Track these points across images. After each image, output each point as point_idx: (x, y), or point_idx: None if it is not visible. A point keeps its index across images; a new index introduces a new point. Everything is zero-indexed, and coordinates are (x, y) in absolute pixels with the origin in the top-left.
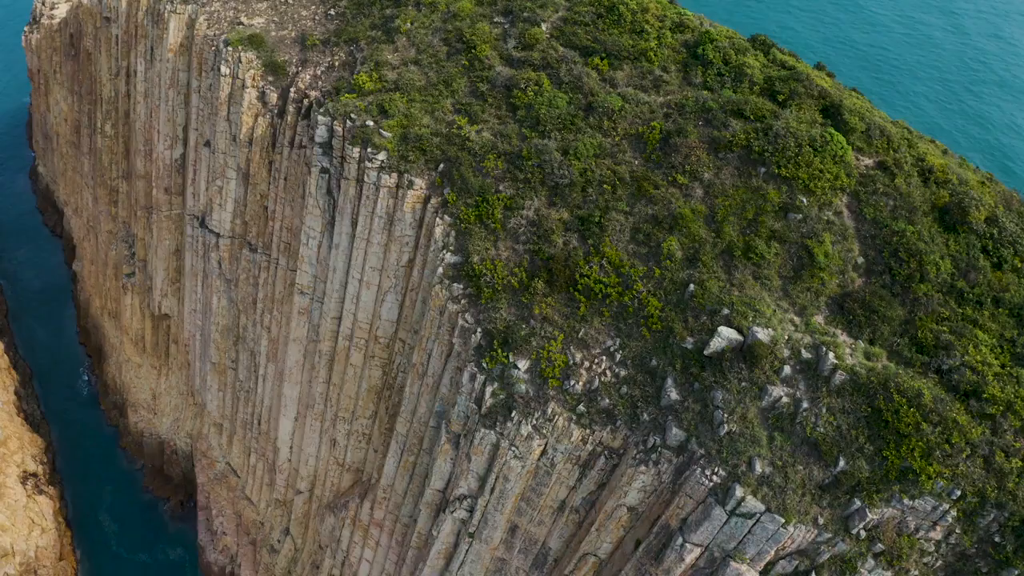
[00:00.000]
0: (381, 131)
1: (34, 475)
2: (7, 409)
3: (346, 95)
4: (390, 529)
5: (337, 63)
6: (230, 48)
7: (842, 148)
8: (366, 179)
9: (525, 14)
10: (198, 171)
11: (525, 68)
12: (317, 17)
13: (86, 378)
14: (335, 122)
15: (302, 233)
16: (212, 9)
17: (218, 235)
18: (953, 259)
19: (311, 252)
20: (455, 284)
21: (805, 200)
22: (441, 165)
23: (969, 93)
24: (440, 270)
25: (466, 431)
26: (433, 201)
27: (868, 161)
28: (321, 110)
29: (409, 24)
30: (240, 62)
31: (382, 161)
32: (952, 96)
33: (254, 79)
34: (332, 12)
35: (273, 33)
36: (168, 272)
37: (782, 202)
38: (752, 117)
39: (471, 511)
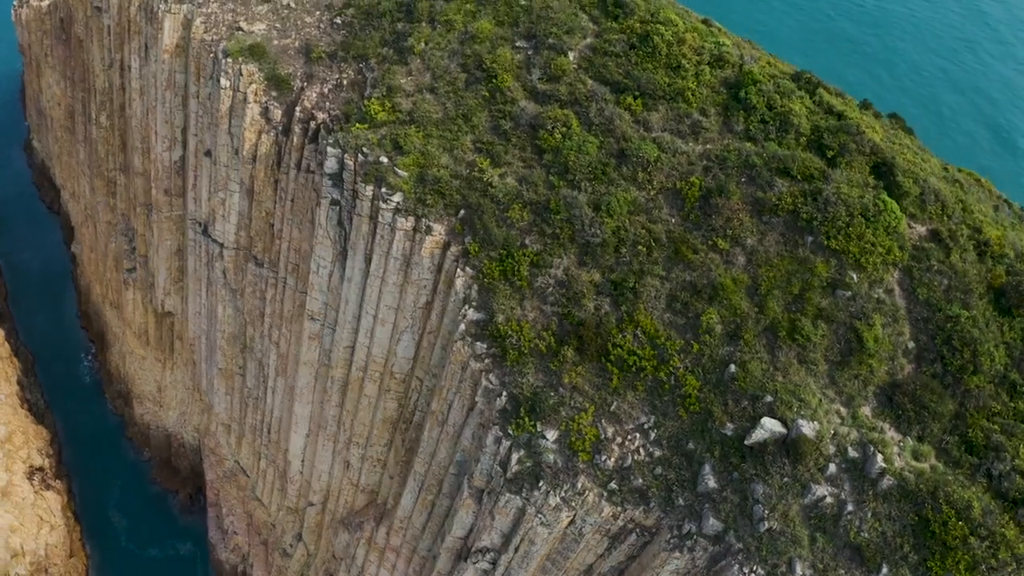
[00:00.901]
0: (396, 169)
1: (40, 469)
2: (10, 401)
3: (357, 125)
4: (407, 557)
5: (345, 81)
6: (230, 60)
7: (896, 218)
8: (380, 219)
9: (550, 40)
10: (199, 178)
11: (551, 104)
12: (322, 25)
13: (88, 364)
14: (346, 155)
15: (312, 260)
16: (209, 11)
17: (222, 245)
18: (1008, 347)
19: (322, 280)
20: (478, 343)
21: (855, 276)
22: (462, 211)
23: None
24: (462, 326)
25: (490, 489)
26: (453, 249)
27: (921, 229)
28: (331, 140)
29: (423, 44)
30: (241, 75)
31: (397, 203)
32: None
33: (256, 94)
34: (338, 21)
35: (275, 42)
36: (171, 271)
37: (830, 277)
38: (799, 176)
39: (494, 564)
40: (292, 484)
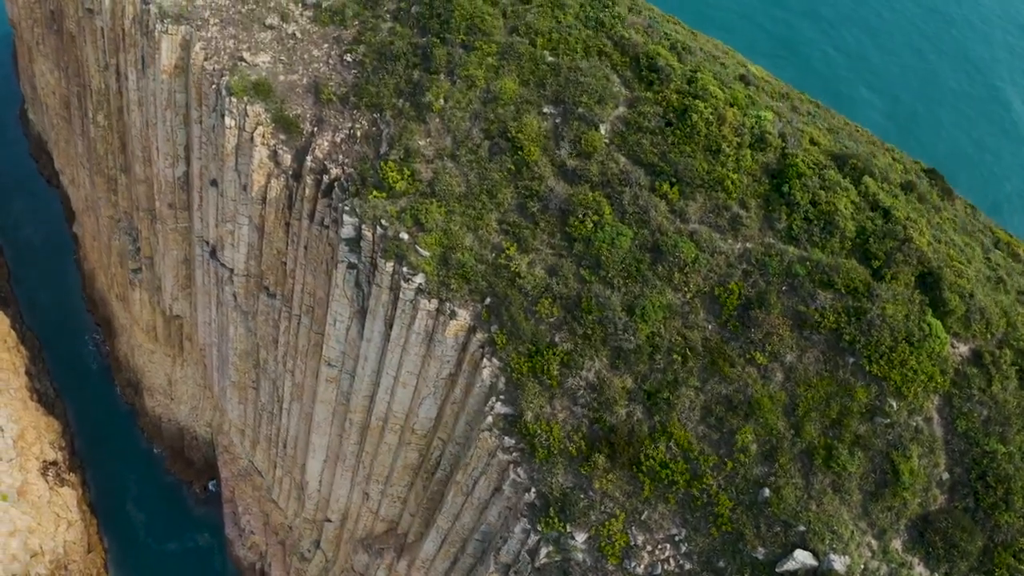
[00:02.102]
0: (418, 248)
1: (54, 463)
2: (20, 395)
3: (375, 192)
4: None
5: (359, 132)
6: (234, 99)
7: (940, 343)
8: (402, 295)
9: (580, 110)
10: (205, 202)
11: (581, 184)
12: (331, 61)
13: (94, 348)
14: (364, 225)
15: (328, 313)
16: (209, 35)
17: (231, 271)
18: None
19: (339, 332)
20: (506, 437)
21: (895, 404)
22: (488, 299)
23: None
24: (489, 418)
25: (516, 570)
26: (479, 335)
27: (964, 348)
28: (347, 207)
29: (442, 101)
30: (247, 115)
31: (420, 284)
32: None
33: (264, 137)
34: (348, 58)
35: (281, 77)
36: (178, 279)
37: (870, 403)
38: (843, 290)
39: None
40: (310, 499)
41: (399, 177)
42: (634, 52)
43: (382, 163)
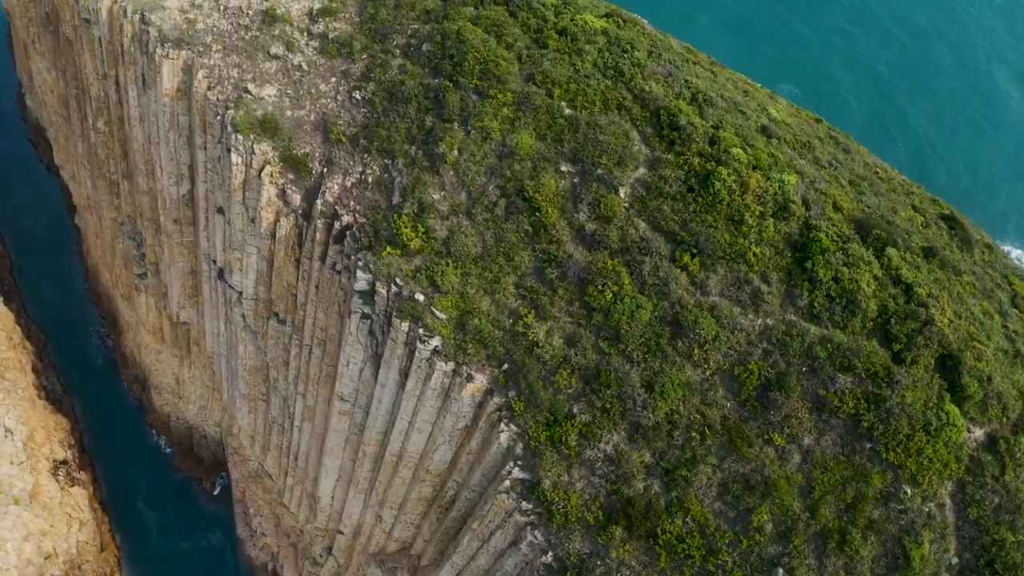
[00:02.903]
0: (434, 310)
1: (64, 462)
2: (28, 394)
3: (388, 249)
4: None
5: (370, 178)
6: (240, 136)
7: (957, 431)
8: (418, 353)
9: (599, 171)
10: (211, 224)
11: (600, 251)
12: (340, 98)
13: (98, 341)
14: (378, 282)
15: (341, 353)
16: (211, 62)
17: (240, 293)
18: None
19: (352, 372)
20: (524, 502)
21: (909, 491)
22: (505, 364)
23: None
24: (507, 482)
25: None
26: (496, 399)
27: (979, 433)
28: (360, 263)
29: (456, 153)
30: (253, 152)
31: (436, 346)
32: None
33: (272, 176)
34: (357, 96)
35: (288, 112)
36: (185, 288)
37: (884, 488)
38: (863, 374)
39: None
40: (322, 512)
41: (413, 235)
42: (655, 106)
43: (395, 216)
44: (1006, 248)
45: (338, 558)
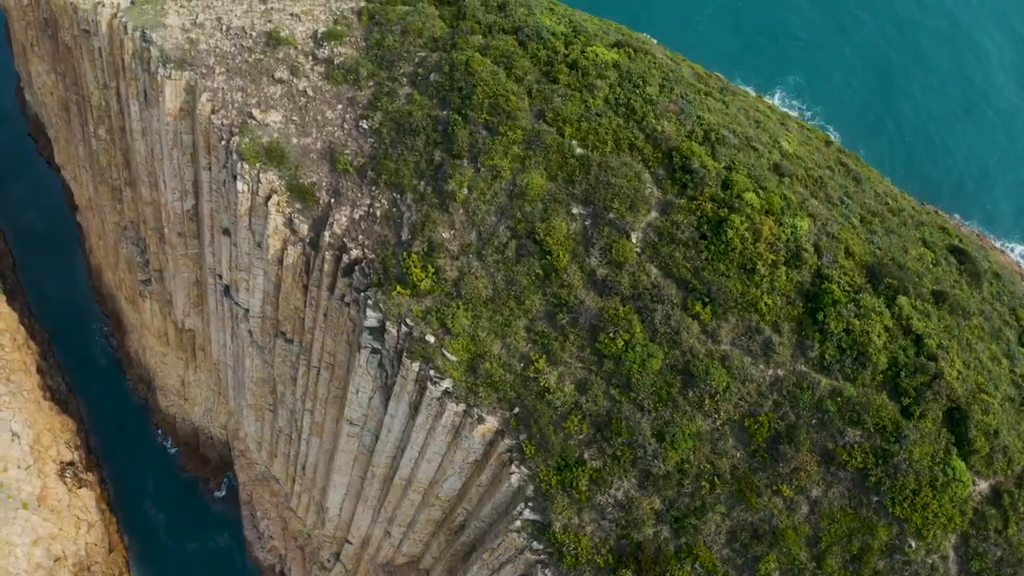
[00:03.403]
0: (444, 352)
1: (71, 464)
2: (33, 396)
3: (398, 288)
4: None
5: (379, 212)
6: (246, 164)
7: (963, 487)
8: (428, 392)
9: (611, 215)
10: (216, 242)
11: (612, 297)
12: (346, 126)
13: (102, 339)
14: (388, 322)
15: (350, 381)
16: (215, 85)
17: (247, 311)
18: None
19: (361, 400)
20: (535, 542)
21: (914, 544)
22: (516, 408)
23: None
24: (518, 522)
25: None
26: (507, 440)
27: (983, 486)
28: (370, 302)
29: (466, 191)
30: (260, 181)
31: (447, 388)
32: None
33: (279, 206)
34: (364, 125)
35: (294, 140)
36: (190, 297)
37: (890, 541)
38: (872, 428)
39: None
40: (330, 521)
41: (423, 275)
42: (667, 146)
43: (404, 255)
44: (1007, 246)
45: (346, 564)
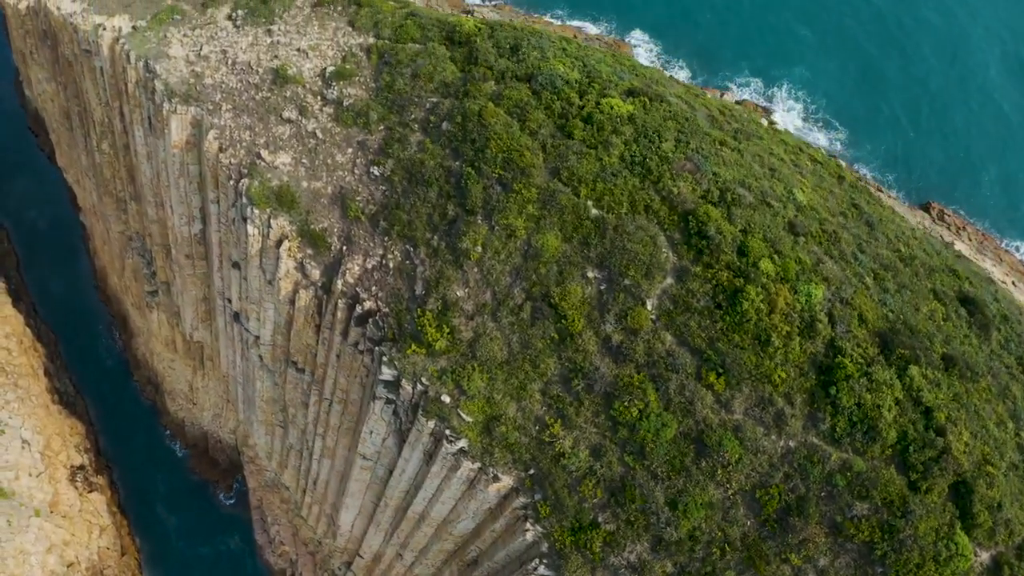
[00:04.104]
0: (460, 413)
1: (82, 468)
2: (42, 400)
3: (413, 347)
4: None
5: (391, 263)
6: (256, 209)
7: (965, 561)
8: (443, 449)
9: (626, 281)
10: (225, 270)
11: (627, 364)
12: (357, 171)
13: (108, 340)
14: (403, 379)
15: (364, 424)
16: (222, 122)
17: (257, 337)
18: None
19: (375, 440)
20: None
21: None
22: (531, 470)
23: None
24: None
25: None
26: (522, 498)
27: (984, 556)
28: (385, 358)
29: (480, 249)
30: (270, 226)
31: (462, 447)
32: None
33: (291, 251)
34: (376, 172)
35: (304, 184)
36: (198, 313)
37: None
38: (880, 502)
39: None
40: (341, 536)
41: (438, 335)
42: (683, 209)
43: (419, 312)
44: (1011, 244)
45: (357, 575)
